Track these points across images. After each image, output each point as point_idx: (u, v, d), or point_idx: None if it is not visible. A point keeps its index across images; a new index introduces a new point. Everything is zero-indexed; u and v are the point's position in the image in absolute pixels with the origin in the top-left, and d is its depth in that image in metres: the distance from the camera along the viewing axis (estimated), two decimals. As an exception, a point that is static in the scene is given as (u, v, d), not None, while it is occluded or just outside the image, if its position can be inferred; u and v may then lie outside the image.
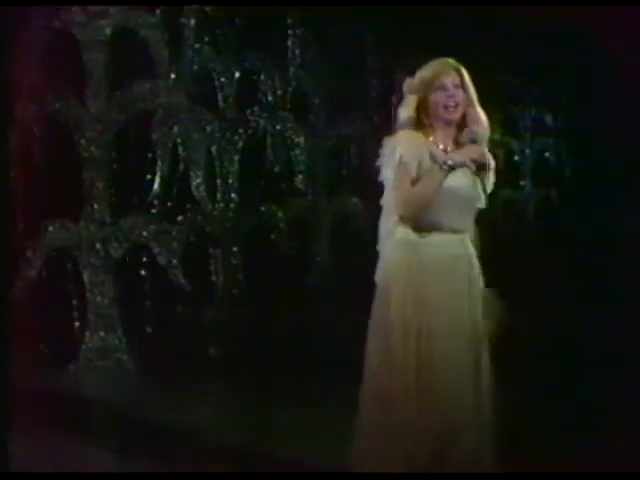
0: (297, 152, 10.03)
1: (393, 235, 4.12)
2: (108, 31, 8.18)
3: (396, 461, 4.00)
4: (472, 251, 4.16)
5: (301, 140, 10.02)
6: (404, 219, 4.05)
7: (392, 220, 4.11)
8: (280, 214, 9.75)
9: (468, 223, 4.16)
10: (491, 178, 4.17)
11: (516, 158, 12.61)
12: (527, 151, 12.92)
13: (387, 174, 4.06)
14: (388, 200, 4.11)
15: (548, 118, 13.26)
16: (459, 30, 9.28)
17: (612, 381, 6.40)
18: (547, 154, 13.23)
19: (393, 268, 4.11)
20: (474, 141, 4.03)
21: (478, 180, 4.08)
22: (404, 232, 4.09)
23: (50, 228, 8.04)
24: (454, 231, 4.09)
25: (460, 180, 4.05)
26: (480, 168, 4.02)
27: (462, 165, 3.98)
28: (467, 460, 4.02)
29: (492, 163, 4.14)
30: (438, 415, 4.00)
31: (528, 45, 10.76)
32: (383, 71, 10.48)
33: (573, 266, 10.72)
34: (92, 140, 8.16)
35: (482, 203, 4.15)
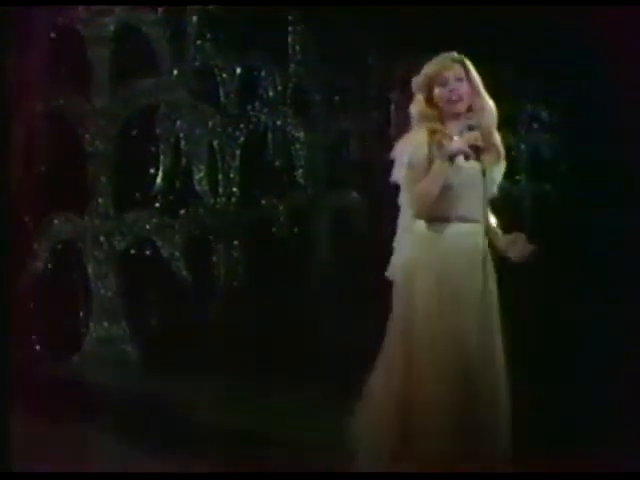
0: (297, 147, 10.06)
1: (411, 230, 4.18)
2: (112, 28, 8.29)
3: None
4: (486, 241, 4.19)
5: (301, 135, 10.04)
6: (419, 216, 4.13)
7: (409, 216, 4.19)
8: (281, 208, 9.81)
9: (482, 212, 4.18)
10: (501, 167, 4.25)
11: (512, 153, 12.70)
12: (523, 146, 12.99)
13: (398, 175, 4.15)
14: (403, 199, 4.20)
15: (544, 114, 13.32)
16: (457, 27, 9.30)
17: (610, 379, 6.36)
18: (543, 149, 13.31)
19: (414, 262, 4.16)
20: (471, 128, 4.07)
21: (488, 169, 4.15)
22: (422, 226, 4.14)
23: (55, 221, 8.15)
24: (469, 221, 4.14)
25: (470, 170, 4.10)
26: (480, 153, 4.07)
27: (459, 153, 4.02)
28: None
29: (500, 151, 4.22)
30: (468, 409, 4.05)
31: (525, 42, 10.77)
32: (382, 68, 10.50)
33: (569, 260, 10.71)
34: (96, 135, 8.27)
35: (493, 192, 4.24)
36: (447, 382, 4.03)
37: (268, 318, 8.93)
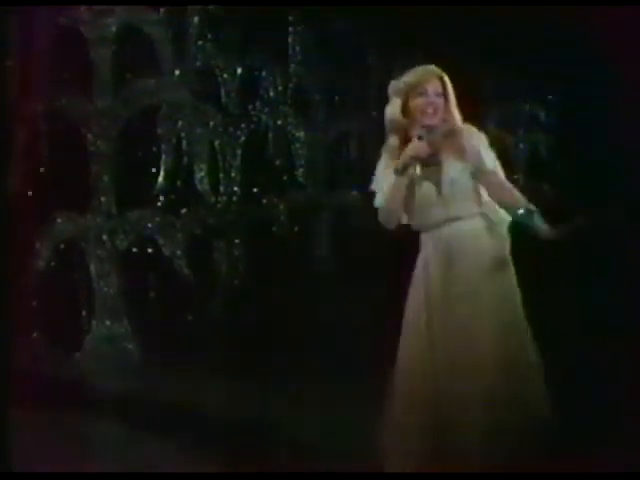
0: (297, 146, 10.08)
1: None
2: (114, 29, 8.36)
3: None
4: (484, 232, 4.19)
5: (301, 134, 10.06)
6: (387, 227, 4.21)
7: None
8: (281, 207, 9.84)
9: (467, 208, 4.18)
10: (485, 158, 4.17)
11: (510, 153, 12.76)
12: (521, 146, 13.03)
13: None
14: None
15: (542, 114, 13.38)
16: (456, 28, 9.33)
17: (610, 379, 6.31)
18: (541, 149, 13.36)
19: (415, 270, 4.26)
20: (420, 137, 4.10)
21: (464, 165, 4.15)
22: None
23: (58, 220, 8.23)
24: (450, 221, 4.14)
25: (426, 177, 4.14)
26: (429, 162, 4.10)
27: (407, 164, 4.08)
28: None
29: (463, 149, 4.17)
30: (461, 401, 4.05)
31: (524, 43, 10.79)
32: (381, 68, 10.50)
33: (567, 260, 10.65)
34: (98, 135, 8.35)
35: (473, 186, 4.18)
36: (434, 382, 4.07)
37: (268, 316, 8.95)
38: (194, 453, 5.32)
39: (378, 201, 4.23)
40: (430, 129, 4.13)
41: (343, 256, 10.36)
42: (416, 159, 4.08)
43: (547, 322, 8.13)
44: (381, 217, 4.22)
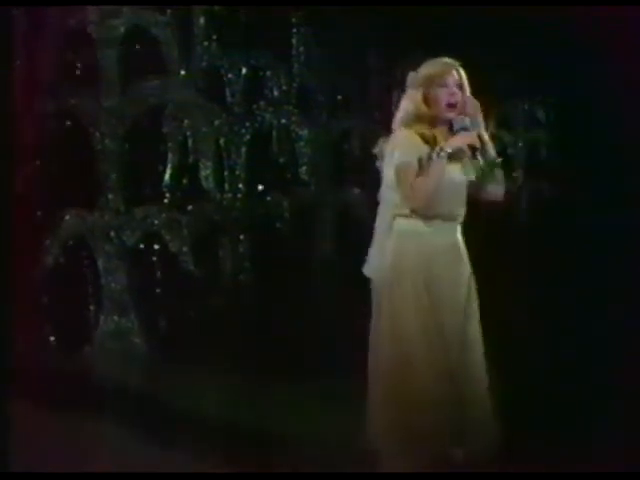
0: (301, 144, 10.13)
1: (394, 227, 4.21)
2: (121, 30, 8.48)
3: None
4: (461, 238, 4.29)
5: (305, 133, 10.10)
6: (414, 211, 4.14)
7: (392, 213, 4.20)
8: (285, 204, 9.89)
9: (463, 210, 4.27)
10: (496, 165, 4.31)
11: (509, 151, 12.80)
12: (520, 144, 13.07)
13: (387, 173, 4.18)
14: (387, 195, 4.22)
15: (540, 112, 13.41)
16: (456, 28, 9.38)
17: (610, 380, 6.31)
18: (541, 147, 13.39)
19: (400, 258, 4.21)
20: (465, 128, 4.14)
21: (472, 168, 4.25)
22: (406, 222, 4.18)
23: (67, 217, 8.34)
24: (453, 218, 4.22)
25: (457, 168, 4.20)
26: (476, 153, 4.18)
27: (458, 151, 4.12)
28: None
29: (491, 151, 4.27)
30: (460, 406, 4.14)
31: (524, 42, 10.83)
32: (383, 68, 10.55)
33: (564, 258, 10.65)
34: (106, 134, 8.46)
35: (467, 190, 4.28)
36: (440, 379, 4.13)
37: (273, 312, 9.00)
38: (196, 453, 5.33)
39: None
40: (472, 121, 4.19)
41: (346, 253, 10.39)
42: (465, 148, 4.15)
43: (545, 322, 8.18)
44: (418, 198, 4.11)
